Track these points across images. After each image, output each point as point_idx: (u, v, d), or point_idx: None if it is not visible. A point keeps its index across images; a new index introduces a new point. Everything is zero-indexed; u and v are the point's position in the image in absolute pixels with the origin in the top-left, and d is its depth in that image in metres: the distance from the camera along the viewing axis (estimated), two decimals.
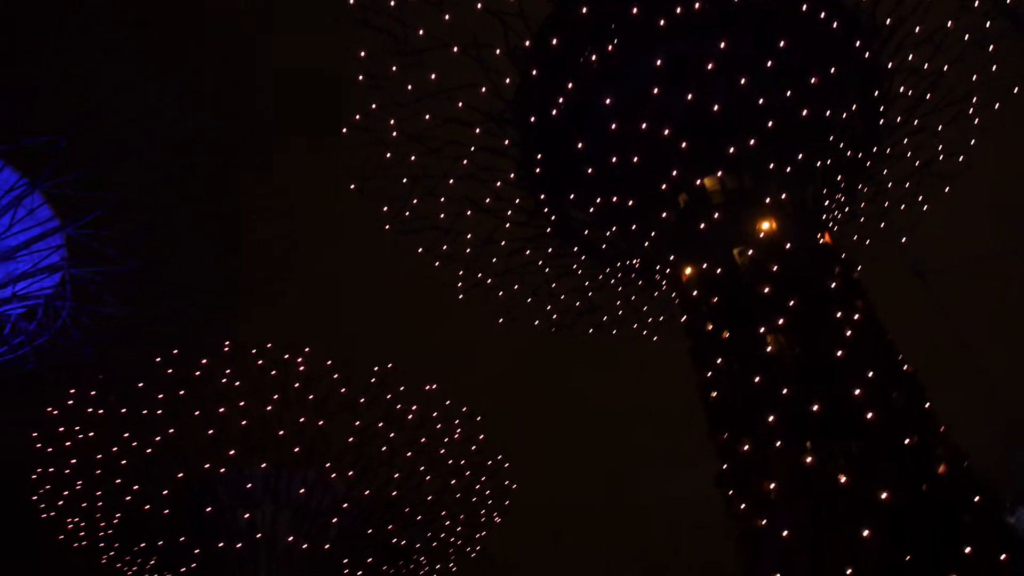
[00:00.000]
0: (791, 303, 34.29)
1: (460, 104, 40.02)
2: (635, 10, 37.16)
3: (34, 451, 51.16)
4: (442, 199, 43.23)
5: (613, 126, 38.55)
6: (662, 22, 36.99)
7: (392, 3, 37.93)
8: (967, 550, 28.06)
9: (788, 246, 36.29)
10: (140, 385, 49.34)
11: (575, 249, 46.50)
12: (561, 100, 39.60)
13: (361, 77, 39.64)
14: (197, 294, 46.20)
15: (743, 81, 36.90)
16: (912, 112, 42.30)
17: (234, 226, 44.65)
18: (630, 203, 39.75)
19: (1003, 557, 28.86)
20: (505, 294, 48.36)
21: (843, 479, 29.91)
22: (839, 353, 32.84)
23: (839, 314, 34.19)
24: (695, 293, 37.81)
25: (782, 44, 37.11)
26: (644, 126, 37.92)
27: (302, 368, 51.39)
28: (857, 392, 31.61)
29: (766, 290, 34.86)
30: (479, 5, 37.23)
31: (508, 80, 39.75)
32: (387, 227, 44.32)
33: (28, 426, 50.65)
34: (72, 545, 56.30)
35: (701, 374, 36.30)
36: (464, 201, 43.54)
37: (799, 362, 33.61)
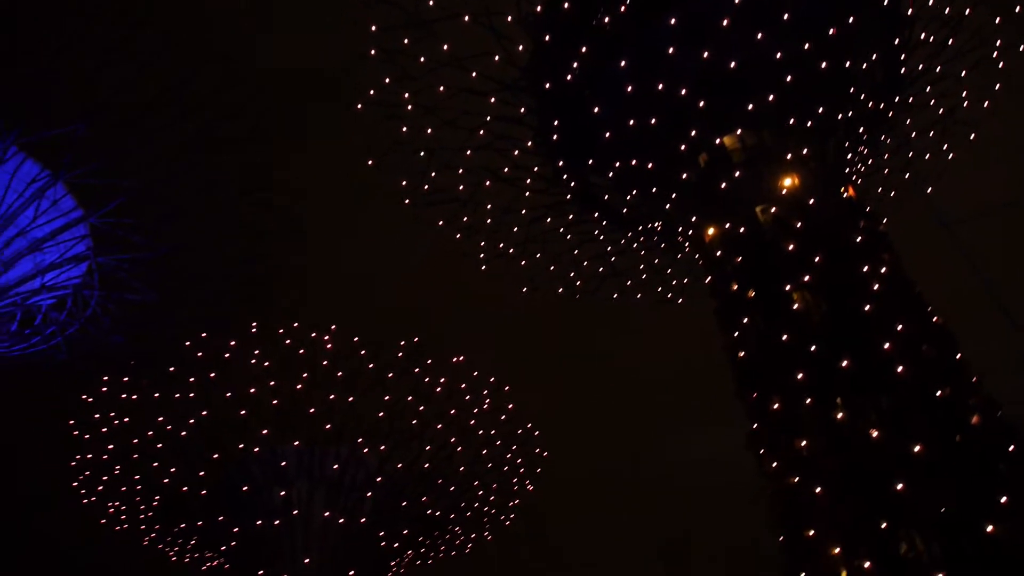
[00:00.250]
0: (816, 259, 33.96)
1: (474, 74, 39.80)
2: None
3: (72, 438, 52.11)
4: (460, 171, 43.16)
5: (629, 89, 38.13)
6: None
7: None
8: (1003, 500, 27.88)
9: (811, 202, 35.86)
10: (171, 369, 49.97)
11: (596, 215, 46.25)
12: (575, 65, 39.20)
13: (373, 52, 39.47)
14: (222, 277, 46.54)
15: (759, 36, 36.28)
16: (934, 59, 41.47)
17: (255, 207, 44.77)
18: (649, 166, 39.40)
19: None
20: (527, 263, 48.35)
21: (875, 434, 29.72)
22: (867, 308, 32.53)
23: (865, 268, 33.82)
24: (719, 253, 37.53)
25: None
26: (660, 87, 37.48)
27: (330, 346, 51.81)
28: (887, 346, 31.34)
29: (790, 247, 34.53)
30: None
31: (521, 47, 39.44)
32: (406, 201, 44.35)
33: (64, 414, 51.57)
34: (114, 528, 57.49)
35: (728, 334, 36.13)
36: (482, 171, 43.42)
37: (826, 318, 33.34)
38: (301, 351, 51.60)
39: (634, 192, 42.34)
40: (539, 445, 58.68)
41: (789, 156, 36.73)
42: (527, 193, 44.90)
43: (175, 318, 47.71)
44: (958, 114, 44.38)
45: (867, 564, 27.91)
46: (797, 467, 31.31)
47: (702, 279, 41.78)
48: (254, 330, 50.70)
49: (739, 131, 37.45)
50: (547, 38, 38.73)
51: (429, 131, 41.51)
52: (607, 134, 39.90)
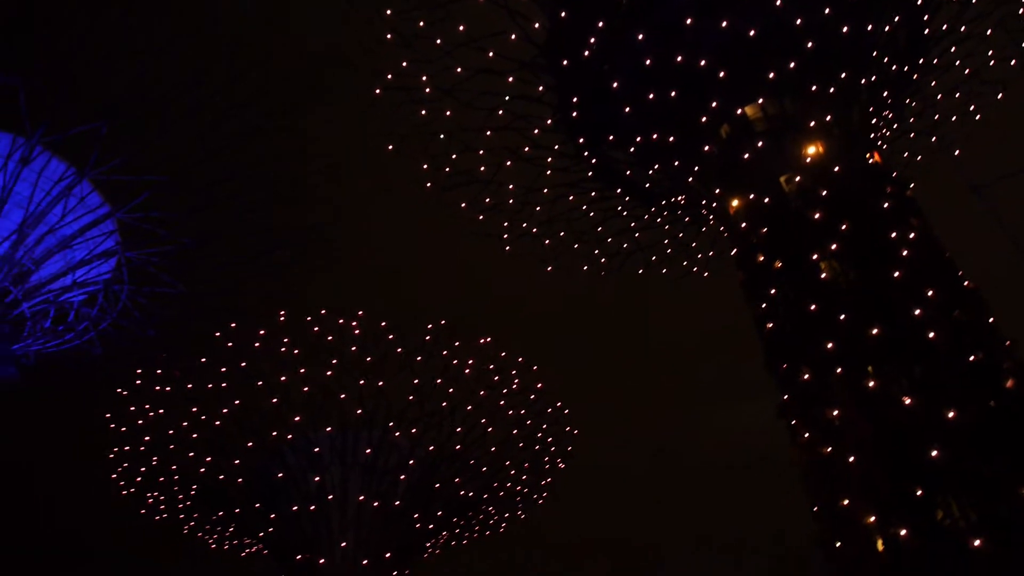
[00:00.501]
0: (843, 227, 33.61)
1: (491, 54, 39.63)
2: None
3: (108, 431, 52.97)
4: (481, 152, 43.11)
5: (648, 62, 37.80)
6: None
7: None
8: None
9: (836, 169, 35.43)
10: (203, 360, 50.57)
11: (618, 190, 46.04)
12: (593, 40, 38.89)
13: (389, 36, 39.42)
14: (249, 267, 46.90)
15: (778, 2, 35.77)
16: (958, 18, 40.69)
17: (278, 197, 45.01)
18: (671, 139, 39.09)
19: None
20: (552, 242, 48.28)
21: (907, 401, 29.46)
22: (896, 274, 32.16)
23: (894, 234, 33.41)
24: (743, 225, 37.24)
25: None
26: (679, 59, 37.11)
27: (357, 331, 52.16)
28: (917, 312, 31.00)
29: (816, 216, 34.20)
30: None
31: (537, 25, 39.21)
32: (428, 185, 44.40)
33: (100, 408, 52.40)
34: (154, 518, 58.51)
35: (755, 306, 35.92)
36: (503, 152, 43.33)
37: (855, 287, 33.01)
38: (329, 338, 52.04)
39: (656, 166, 42.07)
40: (569, 423, 58.88)
41: (812, 124, 36.28)
42: (548, 172, 44.77)
43: (204, 309, 48.17)
44: (984, 74, 43.59)
45: (903, 532, 27.75)
46: (829, 437, 31.13)
47: (727, 251, 41.52)
48: (282, 319, 51.17)
49: (760, 100, 37.02)
50: (563, 14, 38.43)
51: (448, 113, 41.45)
52: (627, 109, 39.61)
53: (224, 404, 51.90)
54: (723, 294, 48.40)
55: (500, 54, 39.62)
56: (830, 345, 31.61)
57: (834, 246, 33.41)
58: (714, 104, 37.30)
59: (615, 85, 39.27)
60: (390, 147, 43.08)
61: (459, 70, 39.99)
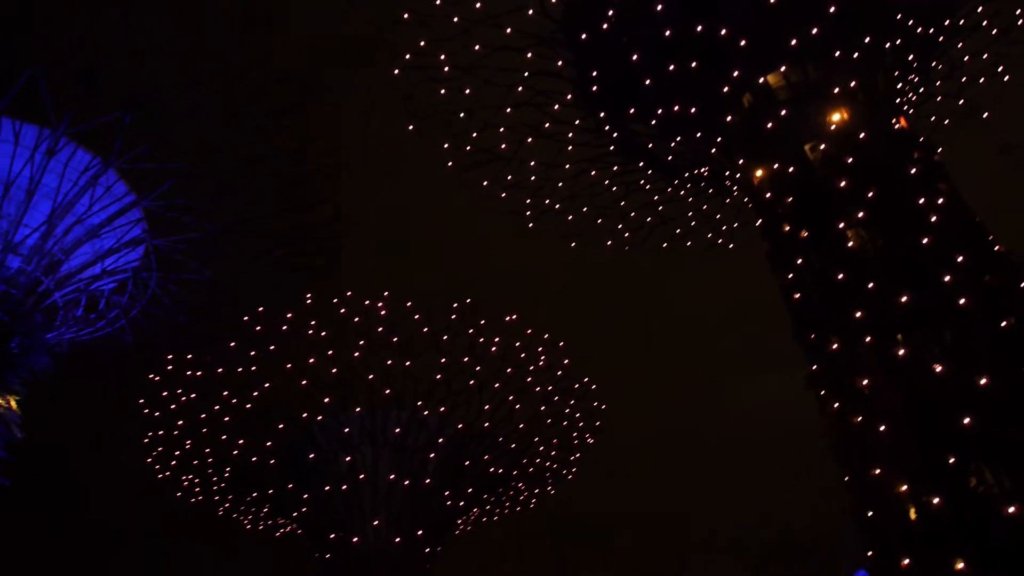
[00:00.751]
0: (870, 194, 33.22)
1: (508, 30, 39.40)
2: None
3: (142, 417, 53.74)
4: (501, 129, 43.01)
5: (667, 33, 37.40)
6: None
7: None
8: None
9: (862, 136, 34.98)
10: (232, 345, 51.06)
11: (640, 164, 45.76)
12: (611, 13, 38.52)
13: (406, 15, 39.30)
14: (274, 251, 47.10)
15: None
16: None
17: (299, 182, 45.07)
18: (692, 110, 38.73)
19: None
20: (575, 217, 48.13)
21: (938, 368, 29.20)
22: (925, 241, 31.80)
23: (922, 200, 32.98)
24: (768, 195, 36.90)
25: None
26: (699, 29, 36.69)
27: (383, 313, 52.41)
28: (947, 278, 30.64)
29: (842, 184, 33.82)
30: None
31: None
32: (450, 164, 44.35)
33: (133, 395, 53.14)
34: (190, 500, 59.47)
35: (782, 277, 35.66)
36: (524, 128, 43.19)
37: (883, 254, 32.69)
38: (356, 319, 52.34)
39: (678, 138, 41.73)
40: (596, 398, 58.93)
41: (836, 90, 35.78)
42: (570, 147, 44.56)
43: (232, 294, 48.49)
44: (1013, 33, 42.67)
45: (936, 500, 27.59)
46: (859, 406, 30.96)
47: (752, 222, 41.18)
48: (308, 301, 51.46)
49: (783, 68, 36.57)
50: None
51: (467, 91, 41.37)
52: (647, 81, 39.27)
53: (254, 387, 52.47)
54: (748, 266, 48.09)
55: (518, 29, 39.41)
56: (859, 314, 31.36)
57: (861, 214, 33.06)
58: (735, 73, 36.89)
59: (635, 57, 38.92)
60: (410, 127, 43.07)
61: (477, 48, 39.80)
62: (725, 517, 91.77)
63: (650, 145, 44.13)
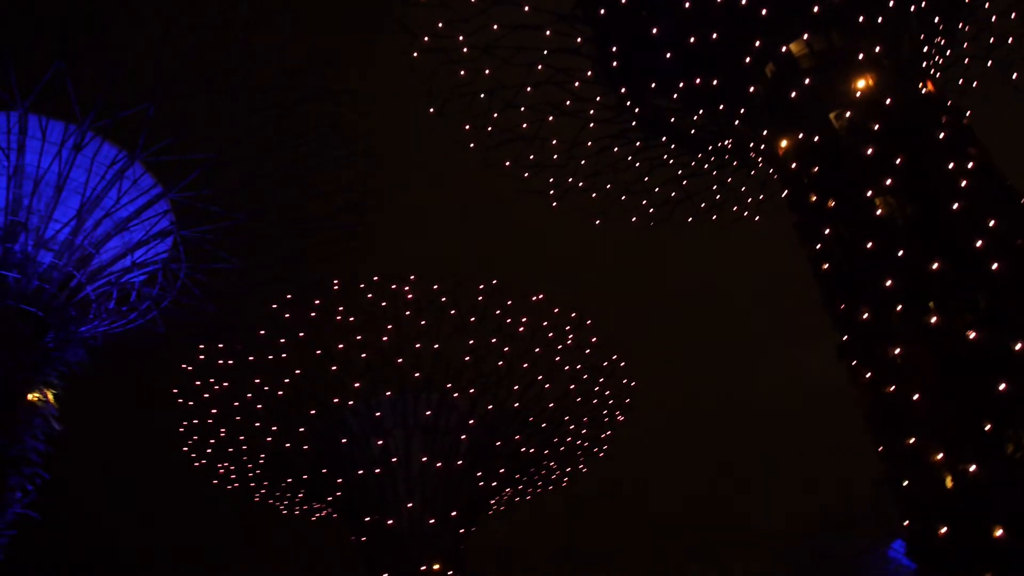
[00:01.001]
0: (898, 161, 32.78)
1: (527, 8, 39.18)
2: None
3: (176, 406, 54.49)
4: (522, 108, 42.85)
5: (687, 4, 36.99)
6: None
7: None
8: None
9: (888, 102, 34.45)
10: (262, 333, 51.53)
11: (663, 139, 45.40)
12: None
13: None
14: (301, 238, 47.40)
15: None
16: None
17: (326, 166, 45.18)
18: (714, 83, 38.34)
19: None
20: (598, 195, 47.95)
21: (972, 335, 28.85)
22: (955, 206, 31.35)
23: (951, 165, 32.49)
24: (794, 165, 36.51)
25: None
26: None
27: (411, 296, 52.65)
28: (979, 244, 30.23)
29: (869, 151, 33.38)
30: None
31: None
32: (471, 145, 44.30)
33: (166, 384, 53.88)
34: (226, 488, 60.28)
35: (810, 247, 35.32)
36: (545, 107, 43.01)
37: (913, 221, 32.27)
38: (384, 303, 52.61)
39: (701, 111, 41.34)
40: (625, 376, 58.90)
41: (861, 56, 35.24)
42: (592, 125, 44.33)
43: (261, 282, 48.87)
44: None
45: (972, 468, 27.35)
46: (892, 375, 30.68)
47: (778, 194, 40.78)
48: (336, 287, 51.79)
49: (806, 36, 36.03)
50: None
51: (487, 72, 41.20)
52: (668, 54, 38.88)
53: (286, 374, 52.99)
54: (775, 237, 47.68)
55: (537, 7, 39.18)
56: (889, 282, 31.04)
57: (889, 181, 32.62)
58: (758, 43, 36.44)
59: (655, 31, 38.55)
60: (431, 110, 43.07)
61: (496, 27, 39.63)
62: (760, 490, 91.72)
63: (672, 119, 43.74)
